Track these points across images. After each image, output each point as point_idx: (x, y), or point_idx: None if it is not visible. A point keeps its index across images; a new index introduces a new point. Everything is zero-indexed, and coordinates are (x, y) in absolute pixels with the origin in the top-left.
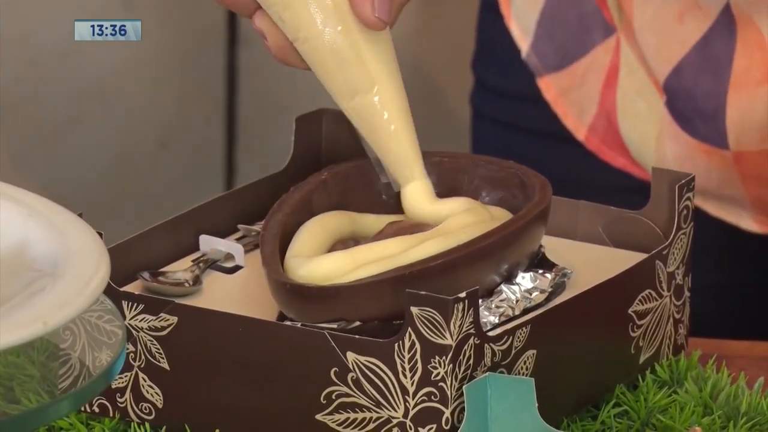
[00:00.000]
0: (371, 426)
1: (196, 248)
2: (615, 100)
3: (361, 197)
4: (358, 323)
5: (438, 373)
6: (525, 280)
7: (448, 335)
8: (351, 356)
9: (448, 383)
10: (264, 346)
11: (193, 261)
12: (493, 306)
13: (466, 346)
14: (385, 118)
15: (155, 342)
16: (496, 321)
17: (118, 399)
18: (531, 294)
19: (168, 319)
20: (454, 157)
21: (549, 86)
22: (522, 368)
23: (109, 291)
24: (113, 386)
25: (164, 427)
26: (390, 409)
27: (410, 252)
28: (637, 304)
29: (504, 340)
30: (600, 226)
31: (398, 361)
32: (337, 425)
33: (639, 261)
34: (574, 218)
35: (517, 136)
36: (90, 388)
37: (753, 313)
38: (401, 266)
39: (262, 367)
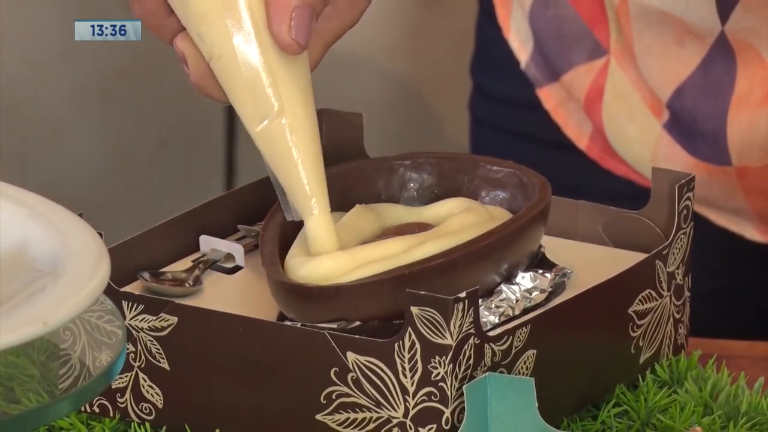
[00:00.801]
0: (371, 426)
1: (196, 248)
2: (602, 121)
3: (361, 198)
4: (358, 323)
5: (438, 373)
6: (525, 280)
7: (448, 335)
8: (351, 356)
9: (448, 383)
10: (264, 346)
11: (193, 261)
12: (493, 306)
13: (466, 346)
14: (290, 146)
15: (155, 342)
16: (496, 321)
17: (119, 399)
18: (531, 294)
19: (168, 320)
20: (454, 157)
21: (548, 97)
22: (522, 368)
23: (109, 291)
24: (113, 386)
25: (164, 428)
26: (390, 409)
27: (410, 252)
28: (637, 304)
29: (504, 340)
30: (600, 226)
31: (398, 361)
32: (337, 425)
33: (639, 261)
34: (574, 218)
35: (516, 142)
36: (90, 388)
37: (753, 314)
38: (401, 266)
39: (262, 367)
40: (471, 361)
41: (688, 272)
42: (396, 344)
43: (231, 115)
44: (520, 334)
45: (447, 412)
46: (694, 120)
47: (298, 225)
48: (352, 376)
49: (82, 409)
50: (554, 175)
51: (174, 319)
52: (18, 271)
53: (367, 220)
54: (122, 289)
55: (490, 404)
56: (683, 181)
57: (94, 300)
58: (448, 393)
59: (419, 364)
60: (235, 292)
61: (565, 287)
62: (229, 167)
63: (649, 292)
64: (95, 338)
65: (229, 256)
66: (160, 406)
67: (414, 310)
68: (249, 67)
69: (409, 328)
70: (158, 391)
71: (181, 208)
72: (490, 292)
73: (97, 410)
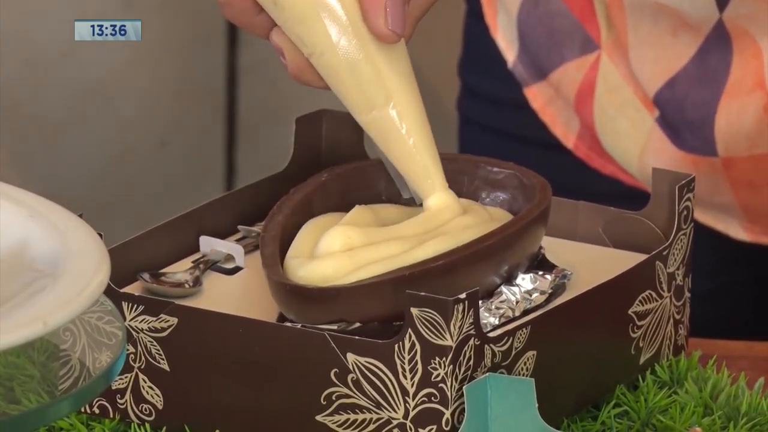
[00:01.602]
0: (371, 427)
1: (196, 249)
2: (593, 116)
3: (361, 199)
4: (358, 324)
5: (438, 374)
6: (525, 281)
7: (448, 336)
8: (351, 357)
9: (448, 384)
10: (264, 347)
11: (193, 262)
12: (493, 307)
13: (466, 347)
14: (403, 132)
15: (155, 343)
16: (496, 322)
17: (119, 400)
18: (531, 295)
19: (168, 320)
20: (454, 158)
21: (536, 96)
22: (522, 369)
23: (109, 292)
24: (113, 387)
25: (164, 428)
26: (390, 410)
27: (410, 253)
28: (638, 304)
29: (504, 341)
30: (600, 227)
31: (398, 362)
32: (337, 426)
33: (639, 262)
34: (574, 219)
35: (504, 141)
36: (90, 388)
37: (747, 315)
38: (401, 267)
39: (262, 368)
40: (471, 362)
41: (689, 273)
42: (396, 345)
43: (231, 115)
44: (520, 335)
45: (447, 413)
46: (683, 110)
47: (299, 226)
48: (352, 377)
49: (82, 409)
50: (542, 174)
51: (174, 320)
52: (18, 271)
53: (366, 221)
54: (122, 290)
55: (490, 405)
56: (683, 181)
57: (94, 301)
58: (448, 394)
59: (419, 365)
60: (235, 293)
61: (565, 288)
62: (229, 167)
63: (650, 293)
64: (95, 339)
65: (229, 257)
66: (160, 407)
67: (414, 311)
68: (351, 61)
69: (410, 329)
70: (158, 392)
71: (181, 209)
72: (490, 293)
73: (97, 411)
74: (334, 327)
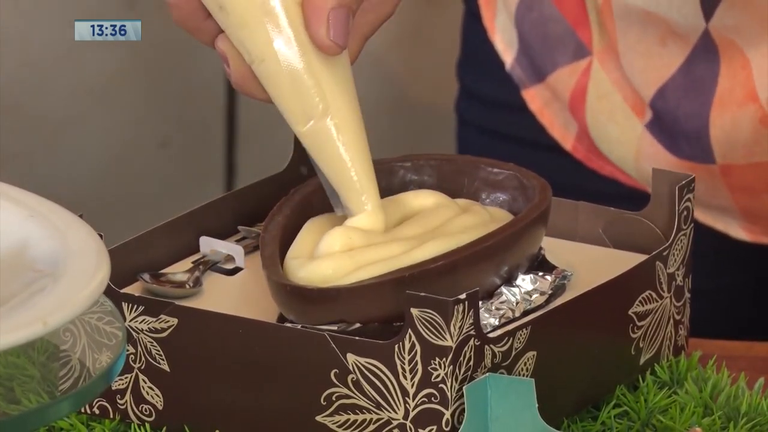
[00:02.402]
0: (371, 427)
1: (196, 250)
2: (586, 121)
3: None
4: (358, 325)
5: (438, 375)
6: (525, 282)
7: (448, 337)
8: (351, 358)
9: (449, 384)
10: (264, 348)
11: (193, 262)
12: (493, 308)
13: (466, 348)
14: (339, 145)
15: (155, 343)
16: (496, 323)
17: (119, 400)
18: (531, 296)
19: (168, 321)
20: (454, 159)
21: (534, 98)
22: (522, 369)
23: (109, 292)
24: (113, 388)
25: (164, 429)
26: (390, 410)
27: (410, 253)
28: (638, 305)
29: (504, 341)
30: (600, 227)
31: (398, 362)
32: (337, 426)
33: (639, 262)
34: (574, 219)
35: (502, 143)
36: (90, 389)
37: (752, 314)
38: (401, 268)
39: (263, 369)
40: (471, 363)
41: (689, 273)
42: (396, 346)
43: (231, 116)
44: (521, 335)
45: (447, 414)
46: (676, 119)
47: (299, 226)
48: (352, 378)
49: (82, 410)
50: (541, 176)
51: (174, 321)
52: (18, 271)
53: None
54: (122, 291)
55: (490, 405)
56: (683, 182)
57: (94, 301)
58: (449, 394)
59: (419, 366)
60: (235, 294)
61: (565, 289)
62: (229, 167)
63: (650, 294)
64: (95, 339)
65: (229, 258)
66: (160, 408)
67: (414, 311)
68: (291, 69)
69: (410, 330)
70: (158, 392)
71: (181, 209)
72: (490, 294)
73: (97, 411)
74: (334, 327)
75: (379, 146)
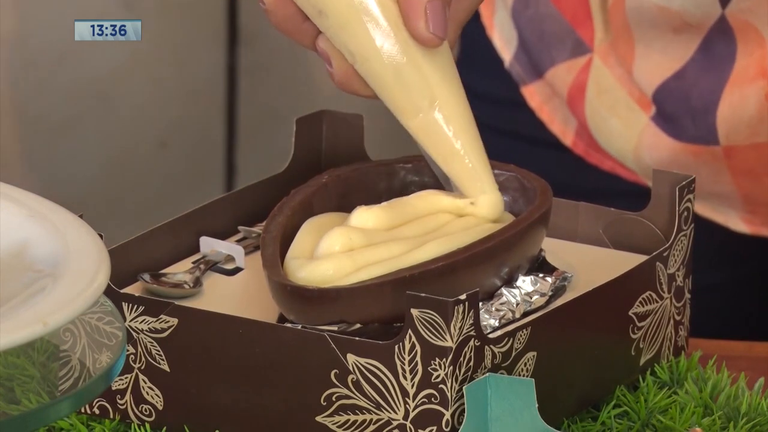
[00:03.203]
0: (371, 428)
1: (197, 250)
2: (585, 116)
3: (361, 200)
4: (358, 325)
5: (438, 375)
6: (525, 283)
7: (448, 337)
8: (351, 358)
9: (449, 385)
10: (264, 348)
11: (193, 263)
12: (494, 309)
13: (466, 348)
14: (450, 135)
15: (155, 344)
16: (496, 324)
17: (119, 400)
18: (531, 297)
19: (168, 321)
20: None
21: (533, 94)
22: (522, 370)
23: (109, 292)
24: (113, 388)
25: (164, 429)
26: (390, 410)
27: (411, 254)
28: (638, 305)
29: (504, 342)
30: (600, 228)
31: (398, 363)
32: (337, 427)
33: (639, 263)
34: (575, 220)
35: (502, 140)
36: (90, 389)
37: (752, 313)
38: (402, 268)
39: (262, 369)
40: (471, 363)
41: (689, 274)
42: (396, 346)
43: (231, 115)
44: (521, 336)
45: (447, 414)
46: (688, 98)
47: (299, 226)
48: (353, 378)
49: (82, 410)
50: (540, 172)
51: (174, 321)
52: (18, 271)
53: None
54: (122, 291)
55: (490, 405)
56: (684, 183)
57: (94, 301)
58: (449, 395)
59: (419, 366)
60: (235, 294)
61: (566, 291)
62: (229, 167)
63: (650, 294)
64: (95, 339)
65: (230, 258)
66: (160, 408)
67: (414, 312)
68: (396, 66)
69: (410, 330)
70: (158, 392)
71: (181, 209)
72: (490, 295)
73: (97, 411)
74: (335, 328)
75: (391, 148)
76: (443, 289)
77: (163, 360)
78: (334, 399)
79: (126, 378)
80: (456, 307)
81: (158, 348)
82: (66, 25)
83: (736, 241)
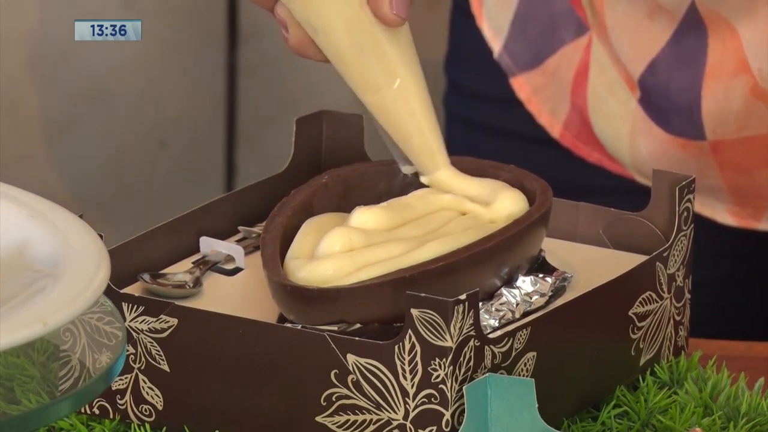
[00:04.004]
0: (371, 428)
1: (197, 250)
2: (586, 97)
3: (361, 200)
4: (358, 325)
5: (438, 375)
6: (525, 283)
7: (448, 337)
8: (351, 358)
9: (448, 385)
10: (264, 348)
11: (193, 263)
12: (493, 309)
13: (466, 348)
14: (408, 111)
15: (155, 344)
16: (496, 324)
17: (119, 401)
18: (531, 298)
19: (168, 321)
20: (455, 160)
21: (522, 85)
22: (522, 370)
23: (109, 293)
24: (113, 388)
25: (164, 429)
26: (390, 410)
27: (411, 254)
28: (638, 306)
29: (504, 342)
30: (600, 228)
31: (398, 363)
32: (337, 427)
33: (639, 263)
34: (574, 220)
35: (490, 137)
36: (90, 389)
37: (752, 312)
38: (402, 269)
39: (262, 369)
40: (471, 363)
41: (689, 274)
42: (396, 346)
43: (231, 115)
44: (521, 336)
45: (447, 414)
46: (668, 94)
47: (299, 227)
48: (352, 378)
49: (82, 410)
50: (527, 169)
51: (174, 321)
52: (18, 271)
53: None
54: (122, 291)
55: (489, 405)
56: (683, 183)
57: (94, 301)
58: (448, 395)
59: (419, 366)
60: (235, 294)
61: (565, 291)
62: (229, 167)
63: (650, 294)
64: (95, 339)
65: (230, 258)
66: (160, 408)
67: (414, 312)
68: (358, 44)
69: (410, 330)
70: (158, 392)
71: (181, 209)
72: (490, 295)
73: (97, 412)
74: (335, 328)
75: (377, 146)
76: (443, 289)
77: (163, 360)
78: (334, 399)
79: (126, 378)
80: (456, 307)
81: (158, 348)
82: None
83: (724, 237)
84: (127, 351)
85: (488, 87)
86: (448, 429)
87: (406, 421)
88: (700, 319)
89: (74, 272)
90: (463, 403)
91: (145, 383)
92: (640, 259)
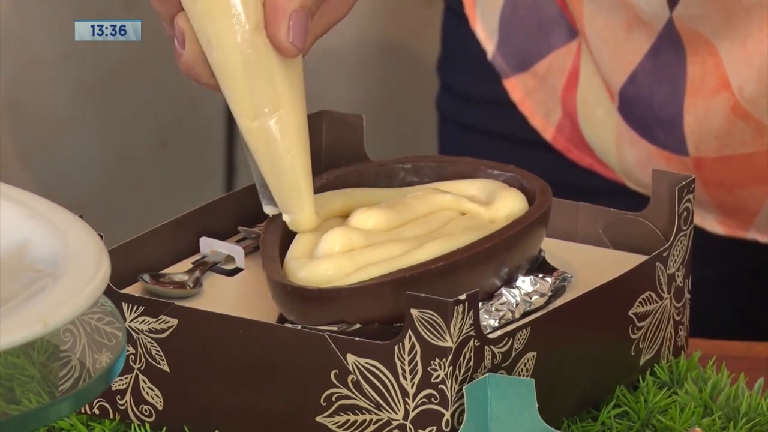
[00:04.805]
0: (371, 428)
1: (197, 250)
2: (576, 103)
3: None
4: (358, 325)
5: (438, 375)
6: (525, 283)
7: (448, 337)
8: (351, 358)
9: (448, 385)
10: (264, 348)
11: (193, 263)
12: (493, 309)
13: (466, 348)
14: (284, 145)
15: (155, 344)
16: (496, 324)
17: (119, 401)
18: (531, 298)
19: (168, 321)
20: (455, 161)
21: (515, 87)
22: (522, 370)
23: (109, 293)
24: (113, 388)
25: (164, 429)
26: (390, 411)
27: (411, 254)
28: (638, 306)
29: (504, 342)
30: (600, 228)
31: (398, 363)
32: (337, 427)
33: (639, 263)
34: (574, 220)
35: (483, 139)
36: (90, 389)
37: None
38: (402, 269)
39: (262, 369)
40: (471, 364)
41: (689, 274)
42: (396, 346)
43: (231, 115)
44: (521, 336)
45: (447, 414)
46: (650, 107)
47: None
48: (352, 378)
49: (82, 410)
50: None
51: (174, 321)
52: (18, 271)
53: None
54: (122, 291)
55: (489, 405)
56: (683, 183)
57: (94, 301)
58: (448, 395)
59: (419, 366)
60: (235, 294)
61: (565, 291)
62: (229, 167)
63: (650, 294)
64: (95, 340)
65: (230, 258)
66: (160, 408)
67: (414, 312)
68: (247, 64)
69: (409, 330)
70: (158, 392)
71: (181, 209)
72: (490, 295)
73: (97, 412)
74: (334, 328)
75: (391, 149)
76: (443, 289)
77: (163, 360)
78: (334, 399)
79: (126, 378)
80: (456, 307)
81: (158, 348)
82: (66, 25)
83: (721, 238)
84: (127, 351)
85: (481, 89)
86: (448, 429)
87: (406, 421)
88: (700, 319)
89: (74, 272)
90: (463, 403)
91: (145, 383)
92: (640, 259)
